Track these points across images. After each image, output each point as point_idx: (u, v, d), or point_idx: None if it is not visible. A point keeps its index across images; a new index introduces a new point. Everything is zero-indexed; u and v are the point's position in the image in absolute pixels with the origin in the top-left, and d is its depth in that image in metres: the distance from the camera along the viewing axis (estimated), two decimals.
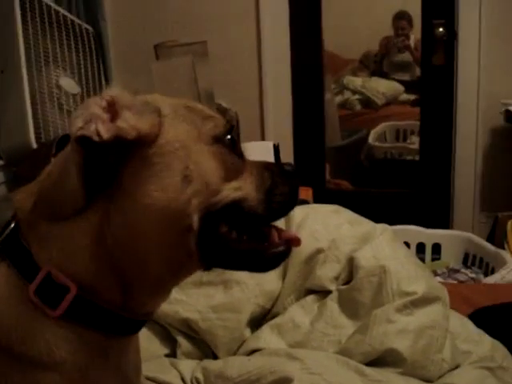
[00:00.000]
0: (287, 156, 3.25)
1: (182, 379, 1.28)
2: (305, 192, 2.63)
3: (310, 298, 1.42)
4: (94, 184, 0.74)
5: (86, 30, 2.84)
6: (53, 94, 2.44)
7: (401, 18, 4.40)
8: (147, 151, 0.74)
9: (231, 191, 0.78)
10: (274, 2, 3.29)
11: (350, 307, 1.36)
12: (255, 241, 0.82)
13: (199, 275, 1.35)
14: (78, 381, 0.76)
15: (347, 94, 4.58)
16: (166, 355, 1.37)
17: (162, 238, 0.75)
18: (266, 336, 1.35)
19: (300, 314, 1.38)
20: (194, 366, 1.31)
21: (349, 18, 4.42)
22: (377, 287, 1.35)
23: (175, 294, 1.29)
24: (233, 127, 0.83)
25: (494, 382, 1.26)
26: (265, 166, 0.86)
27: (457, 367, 1.30)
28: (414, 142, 4.07)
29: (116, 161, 0.74)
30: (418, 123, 3.65)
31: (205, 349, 1.38)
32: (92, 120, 0.71)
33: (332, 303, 1.38)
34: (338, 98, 4.55)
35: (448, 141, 3.31)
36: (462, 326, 1.42)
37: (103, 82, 2.97)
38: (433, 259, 2.79)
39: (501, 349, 1.38)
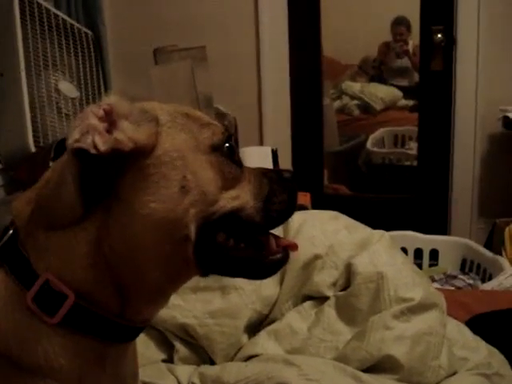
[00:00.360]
0: (285, 161, 3.25)
1: None
2: (303, 197, 2.63)
3: (308, 304, 1.43)
4: (92, 194, 0.74)
5: (86, 34, 2.84)
6: (52, 97, 2.44)
7: (399, 24, 4.42)
8: (144, 162, 0.74)
9: (229, 200, 0.78)
10: (273, 7, 3.30)
11: (348, 313, 1.36)
12: (253, 248, 0.82)
13: (196, 280, 1.35)
14: None
15: (346, 100, 4.59)
16: (163, 360, 1.37)
17: (160, 248, 0.75)
18: (264, 342, 1.35)
19: (297, 319, 1.39)
20: (191, 372, 1.31)
21: (348, 24, 4.43)
22: (374, 293, 1.35)
23: (173, 299, 1.28)
24: (231, 135, 0.83)
25: None
26: (263, 173, 0.85)
27: (454, 374, 1.30)
28: (412, 147, 4.07)
29: (113, 171, 0.74)
30: (416, 129, 3.65)
31: (202, 354, 1.38)
32: (89, 132, 0.71)
33: (329, 309, 1.38)
34: (337, 103, 4.56)
35: (446, 147, 3.31)
36: (459, 333, 1.42)
37: (102, 86, 2.97)
38: (430, 265, 2.79)
39: (497, 355, 1.39)
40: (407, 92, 4.46)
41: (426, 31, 3.27)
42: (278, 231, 0.86)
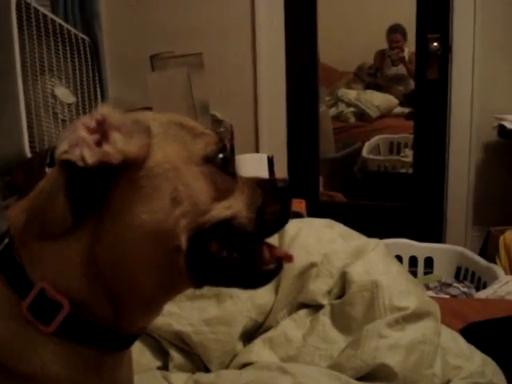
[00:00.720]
0: (281, 168, 3.26)
1: None
2: (298, 204, 2.64)
3: (303, 312, 1.43)
4: (83, 204, 0.74)
5: (82, 39, 2.84)
6: (48, 103, 2.44)
7: (395, 32, 4.44)
8: (136, 174, 0.74)
9: (221, 210, 0.78)
10: (269, 14, 3.31)
11: (342, 322, 1.36)
12: (246, 258, 0.82)
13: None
14: None
15: (342, 107, 4.61)
16: (158, 368, 1.36)
17: (151, 259, 0.75)
18: (259, 350, 1.35)
19: (292, 328, 1.39)
20: (186, 379, 1.30)
21: (344, 31, 4.45)
22: (369, 302, 1.35)
23: (168, 306, 1.28)
24: (225, 146, 0.82)
25: None
26: (257, 183, 0.85)
27: (447, 382, 1.31)
28: (408, 155, 4.09)
29: (104, 183, 0.73)
30: (412, 136, 3.67)
31: (197, 362, 1.37)
32: (78, 144, 0.71)
33: (324, 318, 1.38)
34: (333, 111, 4.57)
35: (441, 154, 3.33)
36: (453, 341, 1.42)
37: (98, 91, 2.97)
38: (425, 273, 2.79)
39: (491, 364, 1.39)
40: (403, 99, 4.48)
41: (422, 40, 3.29)
42: (273, 239, 0.86)
